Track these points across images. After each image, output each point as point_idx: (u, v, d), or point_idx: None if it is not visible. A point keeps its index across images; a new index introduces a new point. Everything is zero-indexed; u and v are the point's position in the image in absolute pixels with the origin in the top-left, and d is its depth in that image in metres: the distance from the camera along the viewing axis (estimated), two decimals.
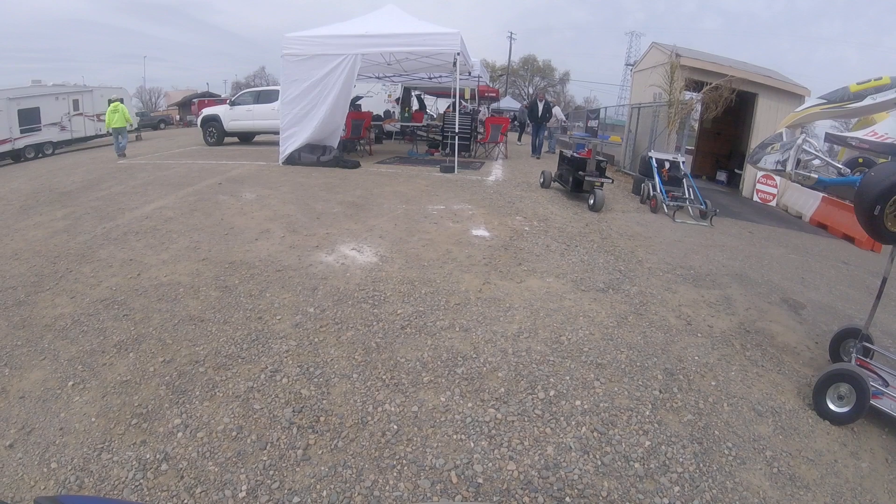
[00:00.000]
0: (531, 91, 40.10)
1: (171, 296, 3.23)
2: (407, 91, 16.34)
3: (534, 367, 2.49)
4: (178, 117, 31.46)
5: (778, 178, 8.94)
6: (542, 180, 7.71)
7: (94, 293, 3.28)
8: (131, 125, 12.10)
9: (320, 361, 2.49)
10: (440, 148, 11.38)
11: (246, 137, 14.37)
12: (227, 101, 14.80)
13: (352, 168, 8.67)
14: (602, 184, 6.50)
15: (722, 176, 11.63)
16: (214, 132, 13.63)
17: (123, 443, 1.93)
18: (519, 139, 16.69)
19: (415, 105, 16.94)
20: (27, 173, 9.86)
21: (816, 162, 2.66)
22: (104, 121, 12.97)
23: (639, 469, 1.86)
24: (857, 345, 2.64)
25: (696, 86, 9.10)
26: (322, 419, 2.07)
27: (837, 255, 6.00)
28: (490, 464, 1.86)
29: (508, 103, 29.48)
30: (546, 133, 17.17)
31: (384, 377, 2.37)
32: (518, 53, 45.96)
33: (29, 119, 14.47)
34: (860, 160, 4.16)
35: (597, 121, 15.68)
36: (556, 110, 17.59)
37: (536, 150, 12.78)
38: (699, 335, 3.05)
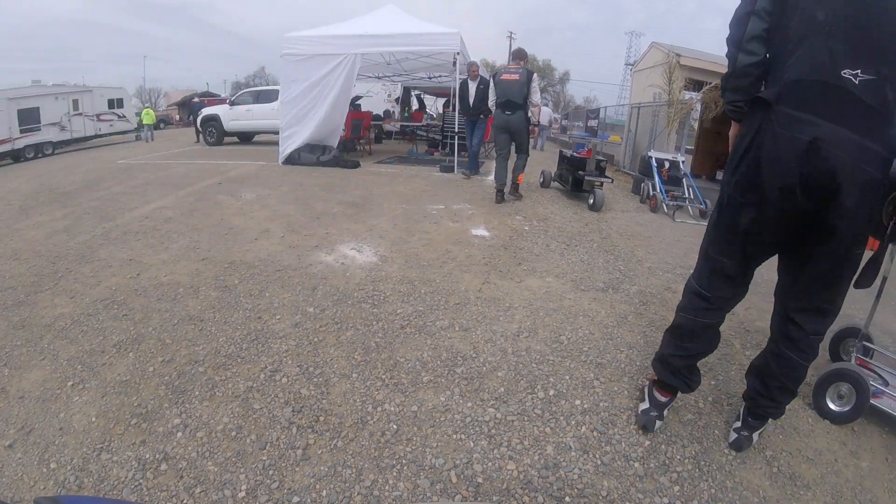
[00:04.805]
0: None
1: (170, 296, 3.23)
2: (407, 91, 16.33)
3: (533, 366, 2.49)
4: (177, 117, 31.43)
5: None
6: (541, 180, 7.72)
7: (94, 293, 3.28)
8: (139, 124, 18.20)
9: (320, 361, 2.49)
10: (440, 147, 11.38)
11: (246, 137, 14.37)
12: (227, 101, 14.83)
13: (351, 168, 8.67)
14: (602, 183, 6.50)
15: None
16: (214, 132, 13.64)
17: (123, 443, 1.93)
18: None
19: (414, 105, 16.93)
20: (27, 173, 9.87)
21: None
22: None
23: (638, 469, 1.86)
24: (857, 344, 2.64)
25: (695, 86, 9.11)
26: (321, 419, 2.07)
27: None
28: (490, 463, 1.86)
29: None
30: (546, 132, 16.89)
31: (384, 377, 2.37)
32: None
33: (29, 119, 14.50)
34: None
35: (596, 120, 15.67)
36: (546, 110, 17.52)
37: (471, 164, 7.66)
38: None
